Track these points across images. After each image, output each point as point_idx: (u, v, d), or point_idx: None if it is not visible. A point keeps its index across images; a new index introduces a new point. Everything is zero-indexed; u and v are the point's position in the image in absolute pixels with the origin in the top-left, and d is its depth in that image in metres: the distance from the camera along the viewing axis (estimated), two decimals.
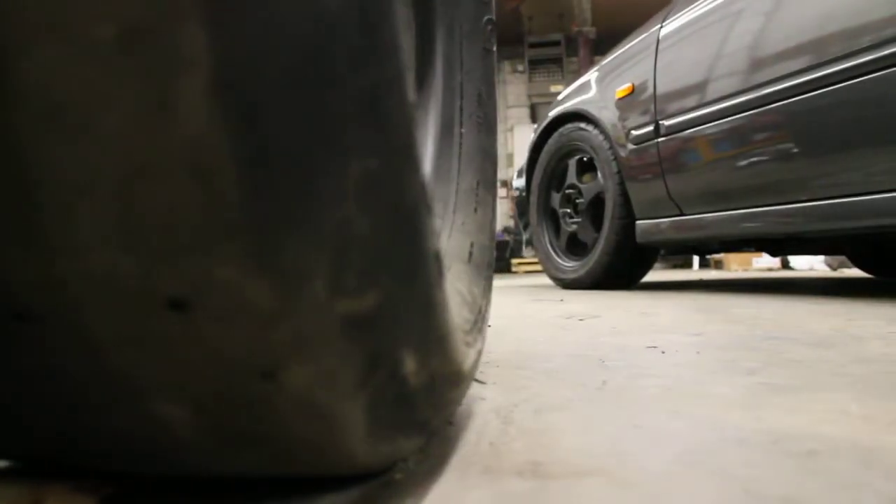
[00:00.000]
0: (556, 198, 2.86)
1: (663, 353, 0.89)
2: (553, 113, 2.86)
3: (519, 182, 3.25)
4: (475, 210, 0.64)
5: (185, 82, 0.21)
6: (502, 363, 0.83)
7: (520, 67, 10.18)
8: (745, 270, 6.94)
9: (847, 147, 1.60)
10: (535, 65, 9.95)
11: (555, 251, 2.88)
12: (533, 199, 2.98)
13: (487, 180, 0.68)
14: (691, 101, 2.04)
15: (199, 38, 0.20)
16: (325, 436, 0.31)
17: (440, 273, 0.33)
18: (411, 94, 0.27)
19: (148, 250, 0.24)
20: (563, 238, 2.82)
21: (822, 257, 6.23)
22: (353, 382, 0.29)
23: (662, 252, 2.67)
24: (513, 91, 10.32)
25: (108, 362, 0.27)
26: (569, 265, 2.76)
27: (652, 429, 0.51)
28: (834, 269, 6.11)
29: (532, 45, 9.85)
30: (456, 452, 0.46)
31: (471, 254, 0.59)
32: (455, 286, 0.53)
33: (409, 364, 0.32)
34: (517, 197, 3.30)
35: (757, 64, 1.80)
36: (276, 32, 0.21)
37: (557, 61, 9.84)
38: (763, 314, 1.43)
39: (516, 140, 9.72)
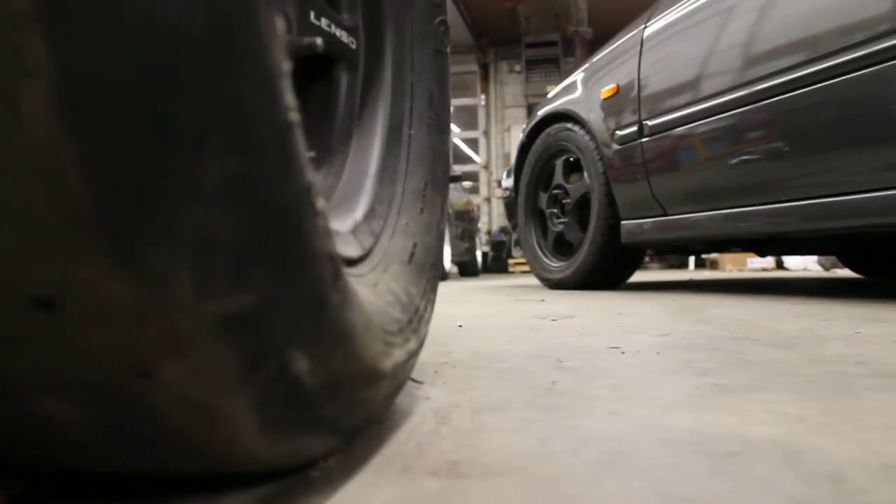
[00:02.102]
0: (543, 198, 2.87)
1: (623, 353, 0.89)
2: (541, 112, 2.86)
3: (508, 182, 3.25)
4: (421, 211, 0.64)
5: (29, 89, 0.21)
6: (460, 363, 0.83)
7: (517, 68, 10.18)
8: (740, 271, 6.95)
9: (830, 147, 1.60)
10: (532, 65, 9.95)
11: (542, 251, 2.88)
12: (521, 199, 2.99)
13: (437, 181, 0.68)
14: (674, 101, 2.04)
15: (39, 47, 0.21)
16: (213, 434, 0.31)
17: (335, 274, 0.33)
18: (287, 98, 0.28)
19: (9, 251, 0.24)
20: (551, 238, 2.82)
21: (815, 257, 6.23)
22: (232, 381, 0.29)
23: (650, 252, 2.68)
24: (510, 91, 10.32)
25: None
26: (556, 265, 2.76)
27: (585, 429, 0.51)
28: (827, 269, 6.11)
29: (529, 46, 9.85)
30: (380, 452, 0.46)
31: (412, 255, 0.59)
32: (390, 286, 0.53)
33: (300, 363, 0.32)
34: (506, 197, 3.30)
35: (739, 63, 1.80)
36: (119, 41, 0.22)
37: (554, 62, 9.84)
38: (738, 315, 1.43)
39: (513, 140, 9.72)
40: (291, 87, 0.29)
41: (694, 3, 2.00)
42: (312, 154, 0.47)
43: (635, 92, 2.22)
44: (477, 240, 7.30)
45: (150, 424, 0.30)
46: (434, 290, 0.62)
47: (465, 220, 6.51)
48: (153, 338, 0.27)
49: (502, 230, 9.15)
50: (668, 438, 0.49)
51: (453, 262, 5.93)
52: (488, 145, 10.40)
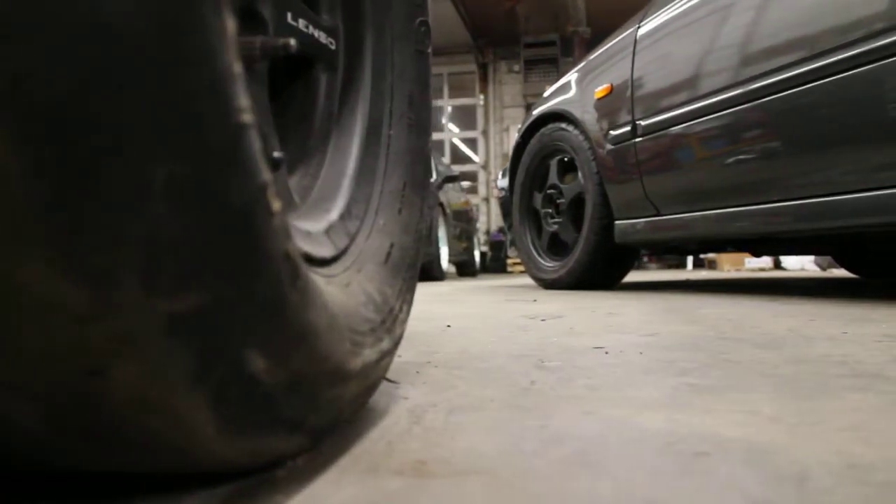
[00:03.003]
0: (538, 198, 2.87)
1: (607, 353, 0.89)
2: (536, 112, 2.86)
3: (503, 182, 3.25)
4: (400, 211, 0.64)
5: None
6: (443, 363, 0.83)
7: (515, 68, 10.18)
8: (738, 271, 6.95)
9: (821, 147, 1.60)
10: (530, 65, 9.94)
11: (537, 251, 2.88)
12: (515, 199, 2.99)
13: (416, 182, 0.68)
14: (667, 101, 2.04)
15: None
16: (170, 432, 0.31)
17: (294, 274, 0.33)
18: (239, 100, 0.28)
19: None
20: (545, 238, 2.83)
21: (812, 258, 6.24)
22: (187, 380, 0.29)
23: (648, 253, 2.68)
24: (509, 91, 10.32)
25: None
26: (550, 265, 2.76)
27: (557, 429, 0.52)
28: (824, 269, 6.12)
29: (528, 46, 9.85)
30: (349, 451, 0.46)
31: (389, 255, 0.59)
32: (363, 286, 0.53)
33: (258, 363, 0.32)
34: (501, 197, 3.30)
35: (731, 63, 1.81)
36: (59, 42, 0.22)
37: (553, 62, 9.83)
38: (728, 315, 1.43)
39: (512, 140, 9.71)
40: (245, 89, 0.29)
41: (687, 2, 2.00)
42: (280, 155, 0.47)
43: (629, 92, 2.22)
44: (475, 240, 7.30)
45: (107, 423, 0.30)
46: (411, 290, 0.62)
47: (464, 220, 6.51)
48: (104, 337, 0.27)
49: (501, 230, 9.15)
50: (639, 439, 0.49)
51: (451, 262, 5.93)
52: (487, 145, 10.41)
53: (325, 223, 0.54)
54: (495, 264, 9.17)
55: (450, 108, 10.83)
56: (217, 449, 0.34)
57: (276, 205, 0.31)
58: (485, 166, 10.36)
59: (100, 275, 0.25)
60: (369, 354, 0.47)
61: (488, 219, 10.17)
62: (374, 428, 0.52)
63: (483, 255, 9.01)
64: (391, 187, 0.65)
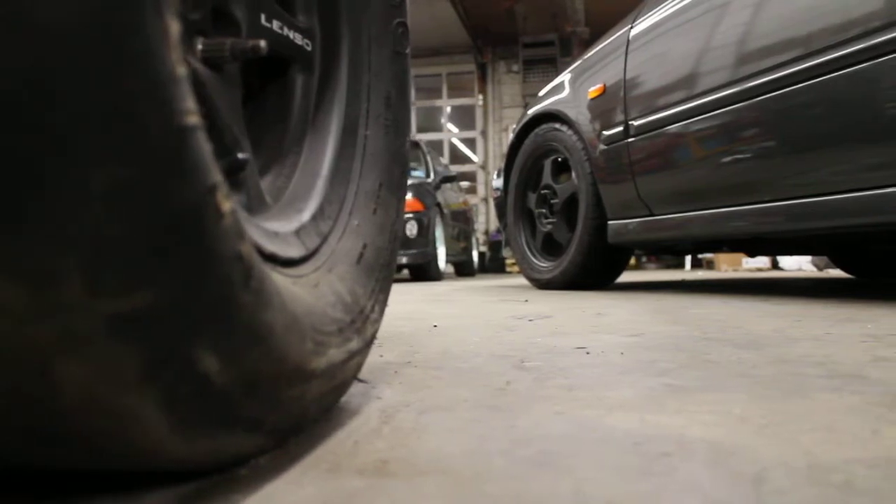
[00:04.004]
0: (532, 198, 2.87)
1: (588, 353, 0.89)
2: (530, 112, 2.87)
3: (497, 182, 3.26)
4: (375, 212, 0.65)
5: None
6: (424, 363, 0.83)
7: (514, 68, 10.18)
8: (735, 271, 6.95)
9: (812, 147, 1.60)
10: (529, 65, 9.94)
11: (531, 251, 2.89)
12: (510, 199, 2.99)
13: (392, 182, 0.68)
14: (659, 101, 2.05)
15: None
16: (122, 432, 0.31)
17: (247, 274, 0.33)
18: (184, 102, 0.28)
19: None
20: (539, 238, 2.83)
21: (809, 258, 6.24)
22: (136, 379, 0.29)
23: (645, 252, 2.68)
24: (507, 91, 10.32)
25: None
26: (544, 265, 2.76)
27: (525, 430, 0.52)
28: (821, 269, 6.12)
29: (526, 46, 9.85)
30: (315, 450, 0.46)
31: (361, 255, 0.60)
32: (333, 287, 0.53)
33: (209, 363, 0.32)
34: (497, 198, 3.30)
35: (723, 64, 1.81)
36: None
37: (552, 61, 9.83)
38: (715, 315, 1.43)
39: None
40: (191, 91, 0.29)
41: (679, 3, 2.00)
42: (245, 156, 0.47)
43: (621, 92, 2.22)
44: (473, 240, 7.30)
45: (56, 422, 0.31)
46: (385, 290, 0.62)
47: (462, 221, 6.52)
48: (49, 337, 0.27)
49: (500, 230, 9.15)
50: (606, 439, 0.49)
51: (449, 262, 5.93)
52: (486, 145, 10.41)
53: (296, 224, 0.54)
54: (494, 264, 9.17)
55: (449, 109, 10.83)
56: (172, 448, 0.34)
57: (227, 206, 0.31)
58: (484, 166, 10.36)
59: (41, 275, 0.25)
60: (335, 354, 0.47)
61: (487, 219, 10.17)
62: (343, 428, 0.52)
63: (482, 255, 9.01)
64: (366, 188, 0.65)
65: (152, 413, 0.31)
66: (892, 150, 1.44)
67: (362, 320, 0.54)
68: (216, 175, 0.31)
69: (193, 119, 0.29)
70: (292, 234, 0.52)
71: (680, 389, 0.66)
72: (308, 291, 0.47)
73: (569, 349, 0.94)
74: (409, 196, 4.92)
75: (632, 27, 2.23)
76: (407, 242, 4.76)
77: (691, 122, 1.91)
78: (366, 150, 0.66)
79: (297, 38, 0.63)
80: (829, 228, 1.66)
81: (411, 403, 0.60)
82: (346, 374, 0.50)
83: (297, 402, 0.42)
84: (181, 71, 0.28)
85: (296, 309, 0.41)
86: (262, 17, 0.58)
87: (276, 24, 0.60)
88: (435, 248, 5.12)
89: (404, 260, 4.81)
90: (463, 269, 6.89)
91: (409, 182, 5.22)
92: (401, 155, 0.71)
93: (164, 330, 0.29)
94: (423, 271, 5.04)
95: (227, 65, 0.54)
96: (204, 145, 0.30)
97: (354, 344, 0.51)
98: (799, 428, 0.52)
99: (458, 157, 11.25)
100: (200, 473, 0.40)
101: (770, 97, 1.66)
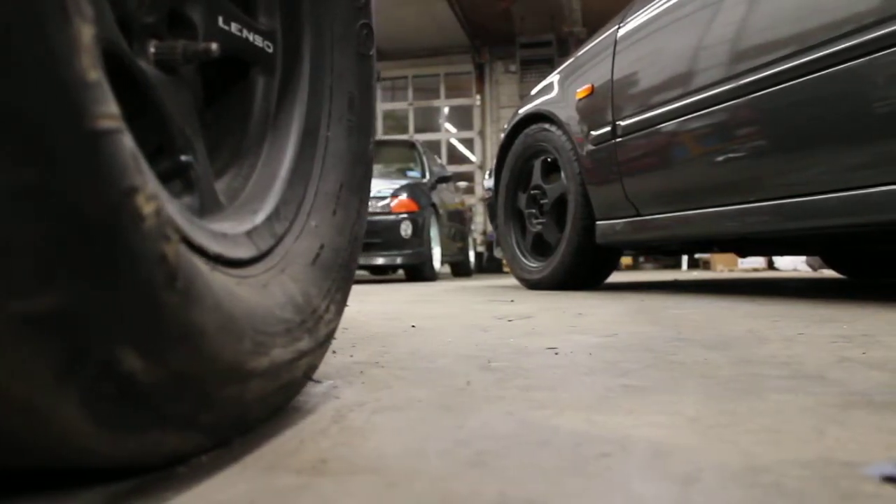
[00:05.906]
0: (522, 198, 2.88)
1: (557, 354, 0.90)
2: (521, 112, 2.87)
3: (489, 183, 3.26)
4: (334, 213, 0.65)
5: None
6: (391, 363, 0.84)
7: (512, 68, 10.18)
8: (731, 271, 6.96)
9: (801, 147, 1.61)
10: (526, 65, 9.95)
11: (521, 251, 2.89)
12: (500, 199, 3.00)
13: (354, 183, 0.69)
14: (645, 102, 2.05)
15: None
16: (43, 431, 0.32)
17: (170, 275, 0.34)
18: (96, 106, 0.28)
19: None
20: (529, 238, 2.83)
21: (804, 258, 6.25)
22: (52, 379, 0.30)
23: (641, 253, 2.68)
24: (505, 91, 10.33)
25: None
26: (534, 265, 2.77)
27: (471, 430, 0.52)
28: (815, 269, 6.12)
29: (524, 46, 9.85)
30: (259, 449, 0.47)
31: (318, 255, 0.60)
32: (285, 287, 0.54)
33: (132, 362, 0.33)
34: (488, 198, 3.31)
35: (708, 64, 1.81)
36: None
37: (549, 62, 9.83)
38: (693, 316, 1.44)
39: None
40: (107, 94, 0.30)
41: (665, 4, 2.01)
42: (187, 158, 0.48)
43: (609, 93, 2.23)
44: (470, 240, 7.30)
45: None
46: (342, 290, 0.63)
47: (458, 221, 6.52)
48: None
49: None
50: (549, 440, 0.49)
51: (445, 262, 5.93)
52: (483, 145, 10.42)
53: (248, 225, 0.55)
54: (492, 265, 9.17)
55: (447, 109, 10.84)
56: (97, 447, 0.34)
57: (149, 208, 0.32)
58: (481, 166, 10.37)
59: None
60: (281, 354, 0.48)
61: (485, 219, 10.17)
62: (293, 427, 0.53)
63: (479, 255, 9.01)
64: (326, 189, 0.65)
65: (72, 412, 0.32)
66: (877, 149, 1.45)
67: (315, 320, 0.55)
68: (137, 178, 0.31)
69: (109, 122, 0.29)
70: (243, 234, 0.53)
71: (637, 390, 0.66)
72: (254, 292, 0.48)
73: (539, 350, 0.94)
74: (403, 196, 4.92)
75: (619, 28, 2.23)
76: (401, 243, 4.76)
77: (676, 123, 1.92)
78: (327, 151, 0.67)
79: (258, 41, 0.64)
80: (817, 228, 1.66)
81: (366, 403, 0.61)
82: (293, 373, 0.51)
83: (236, 402, 0.42)
84: (94, 75, 0.28)
85: (234, 309, 0.42)
86: (220, 19, 0.59)
87: (234, 27, 0.60)
88: (430, 249, 5.12)
89: (399, 260, 4.81)
90: (459, 269, 6.89)
91: (405, 182, 5.23)
92: (364, 156, 0.71)
93: (80, 330, 0.30)
94: (418, 272, 5.04)
95: (181, 67, 0.54)
96: (124, 148, 0.30)
97: (304, 344, 0.52)
98: (745, 428, 0.52)
99: (455, 157, 11.26)
100: (141, 471, 0.41)
101: (755, 97, 1.66)
